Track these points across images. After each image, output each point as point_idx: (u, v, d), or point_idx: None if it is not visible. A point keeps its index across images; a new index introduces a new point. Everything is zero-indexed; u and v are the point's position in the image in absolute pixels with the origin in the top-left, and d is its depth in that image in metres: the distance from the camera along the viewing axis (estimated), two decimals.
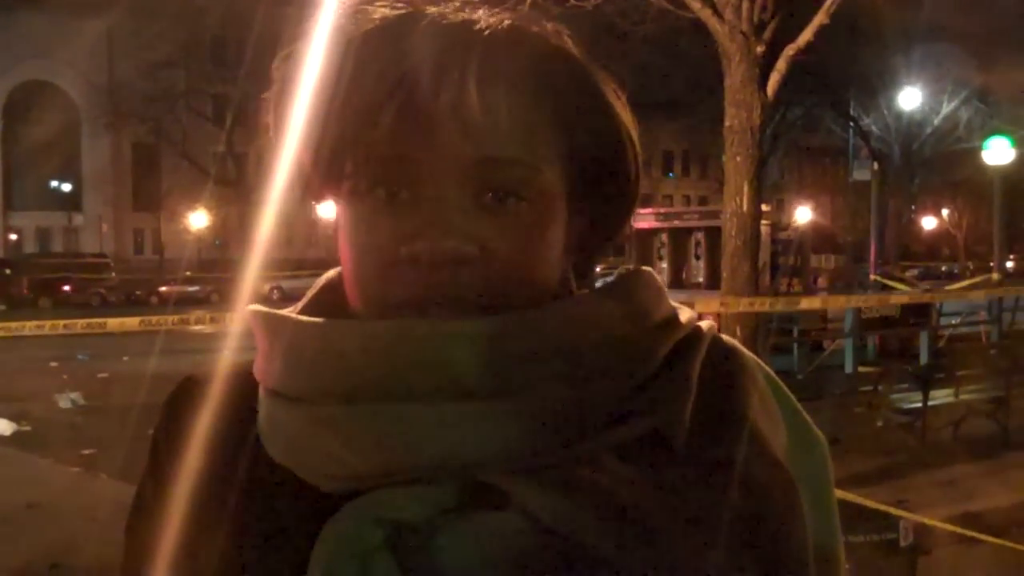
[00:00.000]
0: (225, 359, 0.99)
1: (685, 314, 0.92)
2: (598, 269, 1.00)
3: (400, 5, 0.86)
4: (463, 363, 0.79)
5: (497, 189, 0.83)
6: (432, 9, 0.85)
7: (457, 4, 0.86)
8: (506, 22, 0.85)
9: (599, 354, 0.82)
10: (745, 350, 0.93)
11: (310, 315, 0.90)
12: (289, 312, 0.93)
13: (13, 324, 8.05)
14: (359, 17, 0.86)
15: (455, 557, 0.77)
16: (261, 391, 0.89)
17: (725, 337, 0.93)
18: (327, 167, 0.86)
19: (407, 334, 0.80)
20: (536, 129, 0.85)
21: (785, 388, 0.94)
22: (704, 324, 0.92)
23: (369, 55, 0.83)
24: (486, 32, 0.84)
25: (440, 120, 0.81)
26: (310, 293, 0.96)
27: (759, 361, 0.93)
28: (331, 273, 0.96)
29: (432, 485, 0.80)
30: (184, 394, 0.96)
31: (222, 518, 0.86)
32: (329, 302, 0.93)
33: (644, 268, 0.93)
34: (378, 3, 0.86)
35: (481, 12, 0.86)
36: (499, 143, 0.83)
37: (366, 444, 0.80)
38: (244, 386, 0.91)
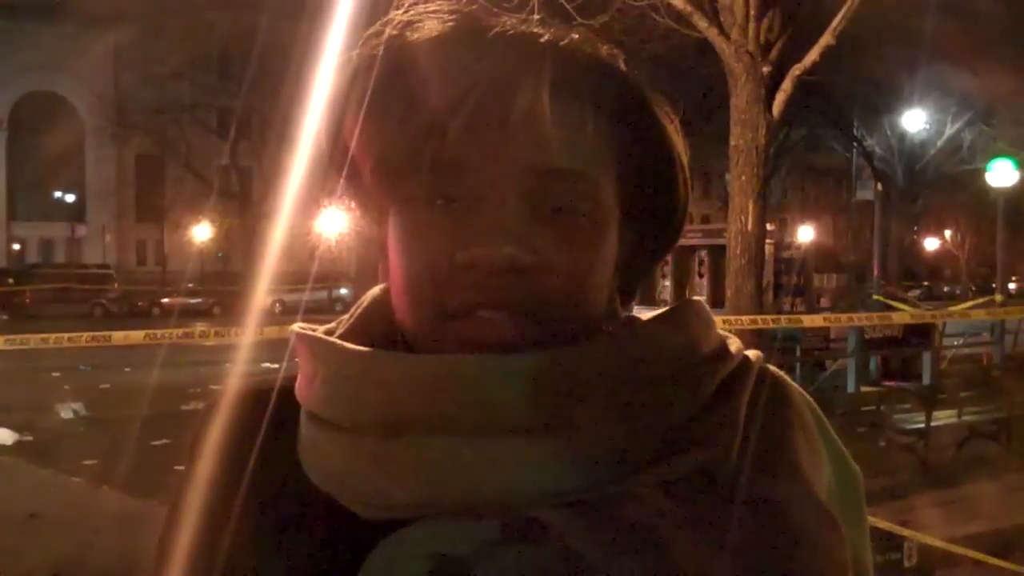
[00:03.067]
0: (267, 373, 0.97)
1: (734, 344, 0.91)
2: None
3: (446, 16, 0.87)
4: (509, 399, 0.78)
5: (558, 201, 0.83)
6: (490, 21, 0.86)
7: (509, 19, 0.87)
8: (573, 36, 0.86)
9: (648, 390, 0.82)
10: (791, 382, 0.92)
11: (356, 336, 0.89)
12: (331, 328, 0.93)
13: (19, 337, 8.05)
14: (412, 28, 0.87)
15: None
16: (303, 413, 0.88)
17: (772, 368, 0.92)
18: (388, 174, 0.86)
19: (452, 370, 0.79)
20: (596, 144, 0.85)
21: (825, 420, 0.93)
22: (752, 354, 0.91)
23: (435, 64, 0.84)
24: (557, 44, 0.85)
25: (512, 129, 0.81)
26: (355, 311, 0.95)
27: (804, 393, 0.93)
28: (376, 290, 0.95)
29: (476, 519, 0.79)
30: (225, 407, 0.95)
31: (259, 539, 0.85)
32: (376, 320, 0.92)
33: (695, 299, 0.92)
34: (426, 11, 0.87)
35: (541, 27, 0.86)
36: (566, 155, 0.83)
37: (409, 478, 0.79)
38: (286, 403, 0.90)
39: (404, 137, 0.84)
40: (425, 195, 0.84)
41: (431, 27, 0.86)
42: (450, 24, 0.86)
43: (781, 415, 0.88)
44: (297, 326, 0.93)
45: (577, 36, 0.87)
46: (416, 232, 0.84)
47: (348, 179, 0.90)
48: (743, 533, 0.79)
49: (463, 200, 0.83)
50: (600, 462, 0.79)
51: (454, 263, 0.82)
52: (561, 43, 0.85)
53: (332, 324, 0.95)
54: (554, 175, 0.83)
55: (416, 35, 0.86)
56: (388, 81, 0.85)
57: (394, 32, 0.87)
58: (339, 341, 0.87)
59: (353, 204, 0.93)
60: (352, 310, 0.95)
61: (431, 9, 0.88)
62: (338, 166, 0.90)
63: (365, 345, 0.86)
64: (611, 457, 0.79)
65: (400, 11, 0.88)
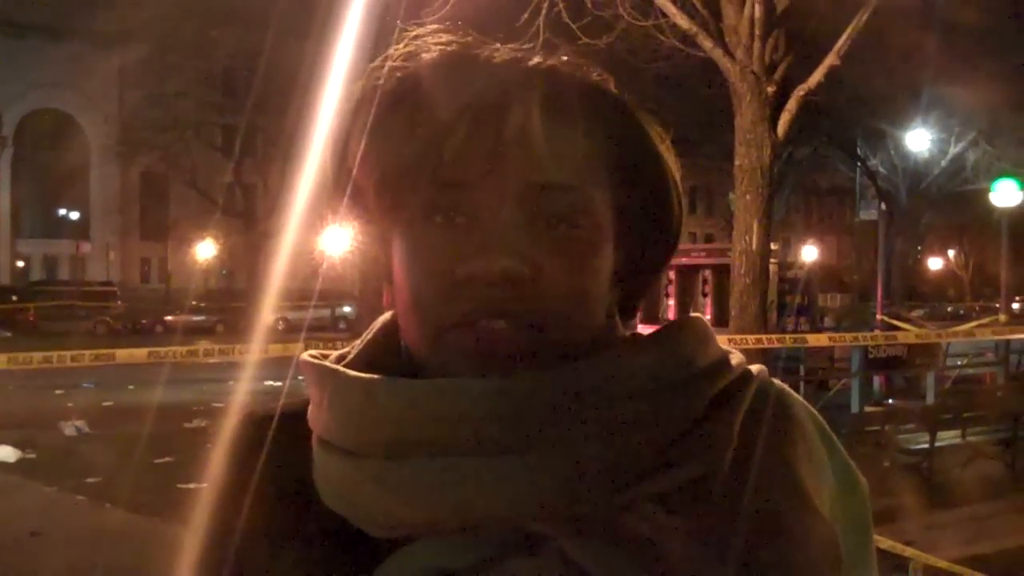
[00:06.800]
0: (285, 397, 1.01)
1: (735, 358, 0.92)
2: None
3: (444, 46, 0.91)
4: (504, 421, 0.81)
5: (552, 214, 0.86)
6: (482, 48, 0.90)
7: (500, 46, 0.91)
8: (563, 58, 0.91)
9: (640, 405, 0.83)
10: (795, 395, 0.93)
11: (364, 362, 0.93)
12: (344, 353, 0.96)
13: (22, 355, 8.05)
14: (412, 58, 0.91)
15: None
16: (314, 438, 0.91)
17: (775, 382, 0.93)
18: (390, 196, 0.89)
19: (448, 395, 0.82)
20: (589, 162, 0.88)
21: (831, 433, 0.95)
22: (754, 368, 0.92)
23: (432, 89, 0.88)
24: (544, 67, 0.89)
25: (506, 147, 0.85)
26: (366, 336, 0.98)
27: (808, 406, 0.94)
28: (386, 316, 0.98)
29: (476, 534, 0.82)
30: (243, 434, 0.98)
31: (276, 560, 0.89)
32: (383, 346, 0.95)
33: (694, 315, 0.94)
34: (426, 43, 0.92)
35: (530, 53, 0.91)
36: (559, 171, 0.86)
37: (411, 498, 0.82)
38: (301, 427, 0.93)
39: (404, 158, 0.87)
40: (425, 213, 0.87)
41: (425, 57, 0.91)
42: (445, 53, 0.91)
43: (781, 427, 0.89)
44: (307, 354, 0.96)
45: (565, 59, 0.91)
46: (418, 248, 0.88)
47: (353, 201, 0.94)
48: (740, 543, 0.81)
49: (462, 216, 0.86)
50: (595, 477, 0.81)
51: (454, 277, 0.85)
52: (547, 65, 0.90)
53: (345, 349, 0.98)
54: (548, 190, 0.86)
55: (413, 65, 0.91)
56: (389, 107, 0.89)
57: (394, 64, 0.92)
58: (342, 368, 0.90)
59: (357, 225, 0.96)
60: (363, 336, 0.99)
61: (431, 41, 0.92)
62: (343, 189, 0.93)
63: (373, 370, 0.89)
64: (606, 472, 0.81)
65: (400, 45, 0.93)
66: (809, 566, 0.82)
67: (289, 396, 0.99)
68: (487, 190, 0.85)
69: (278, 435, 0.95)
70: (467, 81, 0.87)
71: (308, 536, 0.88)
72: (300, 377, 0.96)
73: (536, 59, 0.90)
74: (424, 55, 0.91)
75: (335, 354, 0.97)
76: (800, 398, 0.94)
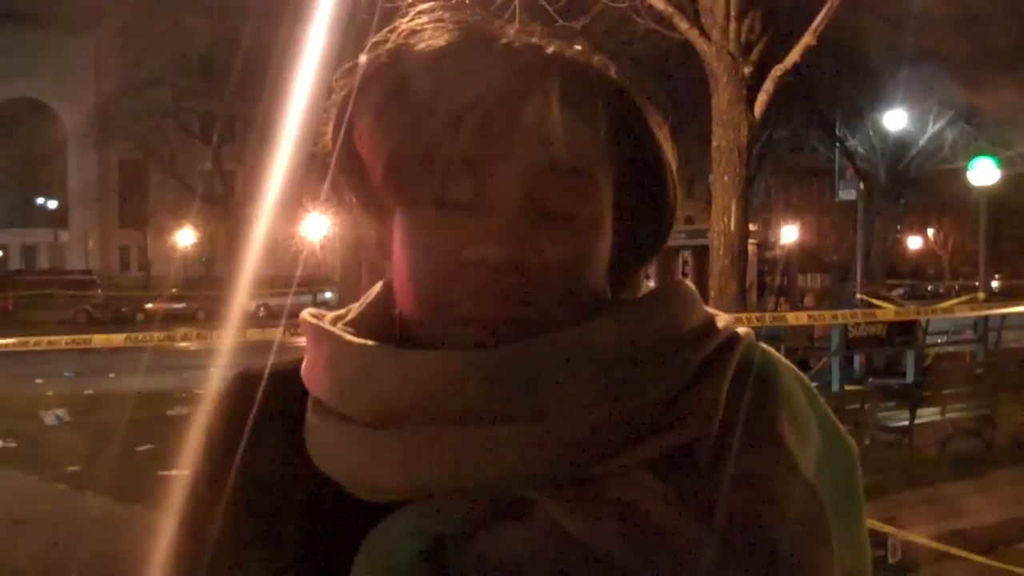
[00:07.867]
0: (279, 358, 1.02)
1: (722, 321, 0.94)
2: None
3: (450, 25, 0.91)
4: (495, 388, 0.82)
5: (561, 200, 0.87)
6: (495, 31, 0.90)
7: (514, 29, 0.91)
8: (576, 47, 0.91)
9: (627, 371, 0.85)
10: (782, 358, 0.94)
11: (361, 325, 0.94)
12: (341, 314, 0.97)
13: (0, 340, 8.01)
14: (417, 36, 0.91)
15: (487, 567, 0.80)
16: (310, 398, 0.92)
17: (762, 345, 0.94)
18: (399, 174, 0.89)
19: (438, 365, 0.83)
20: (593, 148, 0.89)
21: (818, 396, 0.96)
22: (741, 331, 0.94)
23: (448, 71, 0.88)
24: (563, 55, 0.90)
25: (520, 133, 0.85)
26: (364, 299, 0.99)
27: (795, 369, 0.95)
28: (385, 281, 0.99)
29: (466, 499, 0.83)
30: (237, 391, 0.98)
31: (270, 522, 0.90)
32: (380, 311, 0.97)
33: (680, 280, 0.95)
34: (429, 20, 0.91)
35: (544, 39, 0.91)
36: (567, 158, 0.87)
37: (402, 465, 0.83)
38: (295, 387, 0.94)
39: (417, 139, 0.87)
40: (433, 194, 0.87)
41: (435, 35, 0.90)
42: (457, 34, 0.90)
43: (767, 390, 0.90)
44: (307, 312, 0.97)
45: (580, 48, 0.92)
46: (423, 229, 0.88)
47: (353, 179, 0.95)
48: (726, 507, 0.82)
49: (471, 199, 0.87)
50: (582, 444, 0.82)
51: (461, 260, 0.86)
52: (566, 54, 0.90)
53: (343, 311, 0.99)
54: (556, 177, 0.87)
55: (423, 44, 0.90)
56: (400, 87, 0.89)
57: (400, 40, 0.92)
58: (339, 332, 0.92)
59: (356, 202, 0.97)
60: (363, 298, 1.00)
61: (434, 17, 0.92)
62: (345, 168, 0.95)
63: (369, 335, 0.91)
64: (593, 438, 0.82)
65: (405, 20, 0.93)
66: (792, 528, 0.83)
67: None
68: (498, 174, 0.86)
69: (270, 392, 0.96)
70: (487, 64, 0.87)
71: (296, 495, 0.90)
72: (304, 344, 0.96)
73: (554, 47, 0.90)
74: (430, 33, 0.91)
75: (332, 315, 0.98)
76: (787, 361, 0.95)
